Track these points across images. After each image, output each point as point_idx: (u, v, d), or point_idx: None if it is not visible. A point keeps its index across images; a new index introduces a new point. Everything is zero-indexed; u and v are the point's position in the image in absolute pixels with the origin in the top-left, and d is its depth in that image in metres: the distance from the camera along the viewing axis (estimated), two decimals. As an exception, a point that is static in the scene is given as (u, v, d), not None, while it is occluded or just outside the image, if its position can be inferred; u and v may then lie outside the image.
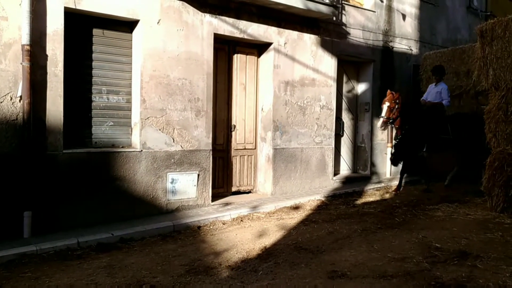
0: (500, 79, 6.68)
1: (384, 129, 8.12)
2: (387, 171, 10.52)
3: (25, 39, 5.40)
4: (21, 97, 5.43)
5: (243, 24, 7.62)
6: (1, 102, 5.37)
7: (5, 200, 5.39)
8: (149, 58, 6.56)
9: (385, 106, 7.92)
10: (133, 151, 6.47)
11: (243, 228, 6.22)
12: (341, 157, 10.13)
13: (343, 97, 10.12)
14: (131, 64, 6.63)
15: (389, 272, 4.27)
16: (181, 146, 6.92)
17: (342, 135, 10.11)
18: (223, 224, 6.44)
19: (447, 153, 8.81)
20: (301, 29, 8.53)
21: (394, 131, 8.70)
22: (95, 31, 6.32)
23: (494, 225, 5.98)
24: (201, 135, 7.14)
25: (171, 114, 6.81)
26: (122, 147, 6.57)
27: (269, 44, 8.12)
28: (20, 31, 5.43)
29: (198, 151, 7.12)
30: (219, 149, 7.83)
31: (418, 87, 10.58)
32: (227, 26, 7.43)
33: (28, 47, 5.41)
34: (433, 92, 8.77)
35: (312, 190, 8.64)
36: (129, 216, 6.32)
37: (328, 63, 9.06)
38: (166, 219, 6.38)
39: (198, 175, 7.12)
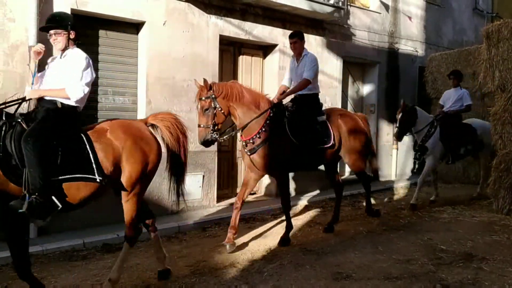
0: (506, 81, 6.66)
1: (208, 143, 4.99)
2: (393, 173, 10.49)
3: (32, 40, 5.43)
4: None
5: (248, 25, 7.63)
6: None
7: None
8: (155, 59, 6.58)
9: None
10: (139, 152, 6.47)
11: (248, 229, 6.22)
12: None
13: (349, 99, 10.11)
14: (136, 65, 6.66)
15: (394, 274, 4.26)
16: (186, 147, 6.92)
17: (348, 137, 10.08)
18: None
19: None
20: (306, 31, 8.50)
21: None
22: (101, 33, 6.34)
23: (499, 227, 5.96)
24: (206, 136, 7.12)
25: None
26: (128, 148, 6.57)
27: (275, 45, 8.12)
28: (27, 33, 5.46)
29: (203, 153, 7.11)
30: (224, 150, 7.83)
31: (424, 89, 10.55)
32: (233, 28, 7.44)
33: (35, 49, 5.43)
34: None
35: (318, 192, 8.63)
36: (134, 217, 6.31)
37: (333, 65, 9.05)
38: (171, 220, 6.39)
39: (203, 176, 7.12)
